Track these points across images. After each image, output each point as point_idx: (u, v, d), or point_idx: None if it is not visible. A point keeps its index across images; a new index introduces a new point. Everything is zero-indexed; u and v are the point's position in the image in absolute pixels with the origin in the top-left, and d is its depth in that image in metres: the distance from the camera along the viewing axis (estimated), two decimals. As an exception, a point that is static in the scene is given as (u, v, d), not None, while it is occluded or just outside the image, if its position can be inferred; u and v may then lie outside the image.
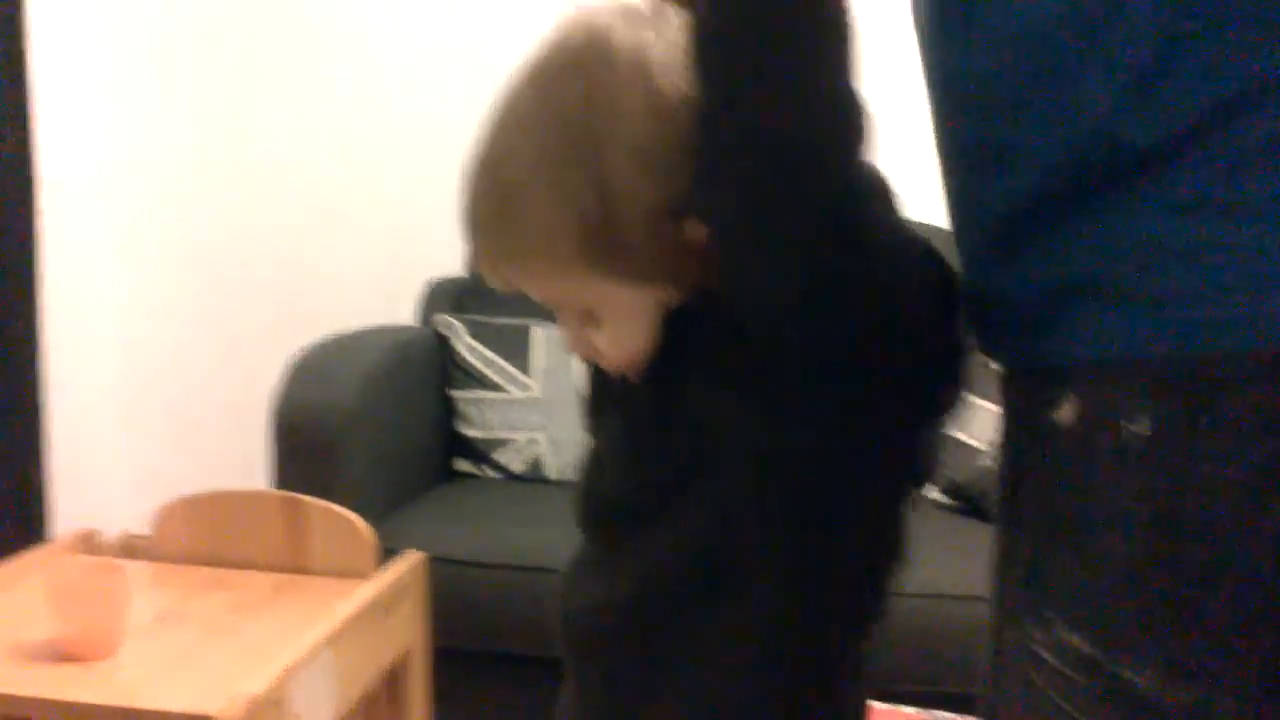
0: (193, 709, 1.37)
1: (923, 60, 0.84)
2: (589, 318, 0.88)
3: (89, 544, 1.93)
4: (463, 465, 2.67)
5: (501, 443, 2.63)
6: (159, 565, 1.87)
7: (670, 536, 0.86)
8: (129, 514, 2.90)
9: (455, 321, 2.72)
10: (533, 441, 2.62)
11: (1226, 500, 0.67)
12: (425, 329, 2.78)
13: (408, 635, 1.81)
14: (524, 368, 2.67)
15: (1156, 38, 0.68)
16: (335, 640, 1.55)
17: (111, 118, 3.22)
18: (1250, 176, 0.66)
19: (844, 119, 0.74)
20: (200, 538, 1.88)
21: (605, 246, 0.82)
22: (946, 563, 1.91)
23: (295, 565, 1.84)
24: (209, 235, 3.24)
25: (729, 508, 0.84)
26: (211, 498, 1.90)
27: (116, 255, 3.26)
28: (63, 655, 1.50)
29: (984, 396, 2.17)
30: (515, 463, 2.62)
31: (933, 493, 2.41)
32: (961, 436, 2.31)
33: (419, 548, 1.90)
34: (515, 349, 2.68)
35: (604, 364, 0.91)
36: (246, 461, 2.62)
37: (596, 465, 0.96)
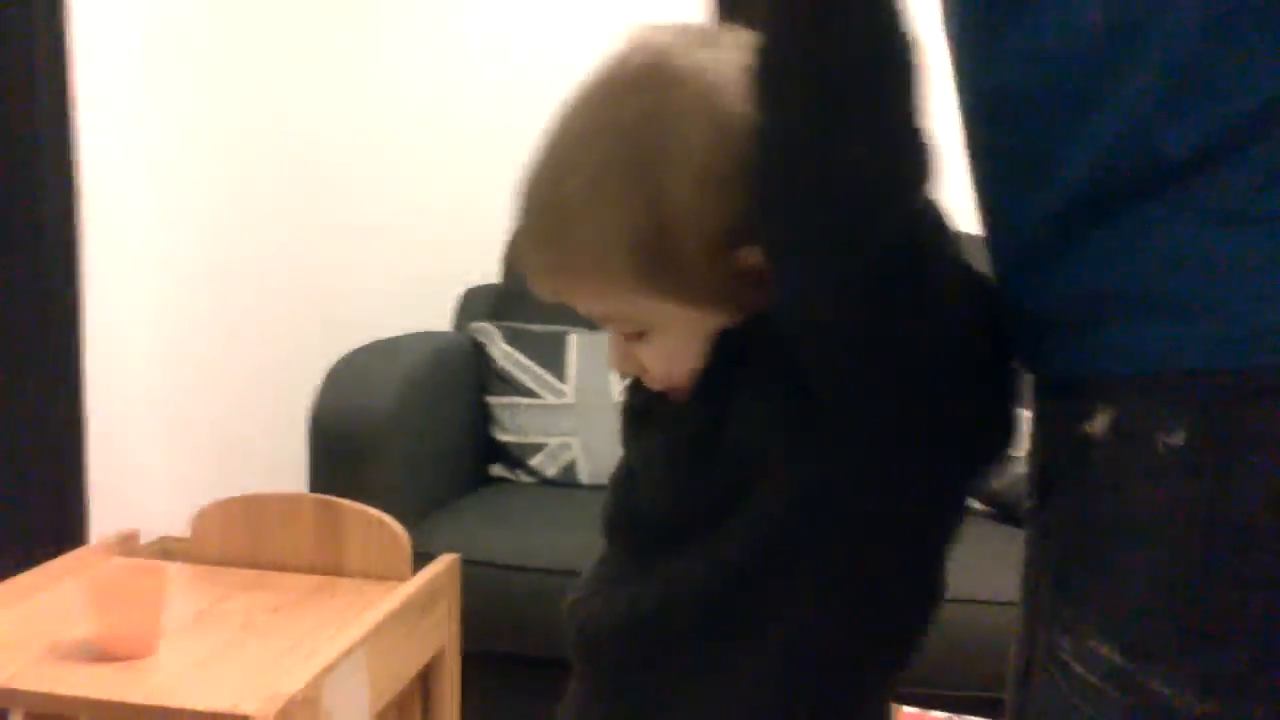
0: (230, 708, 1.39)
1: (955, 72, 0.84)
2: (637, 334, 0.87)
3: (128, 545, 1.95)
4: (497, 470, 2.68)
5: (536, 448, 2.64)
6: (197, 567, 1.89)
7: (703, 560, 0.85)
8: (167, 517, 2.93)
9: (491, 328, 2.74)
10: (566, 447, 2.63)
11: (1261, 512, 0.66)
12: (461, 335, 2.79)
13: (441, 637, 1.82)
14: (559, 374, 2.68)
15: (1194, 45, 0.67)
16: (370, 641, 1.56)
17: (151, 127, 3.26)
18: None
19: (910, 155, 0.73)
20: (237, 540, 1.90)
21: (659, 266, 0.81)
22: (979, 568, 1.89)
23: (331, 567, 1.86)
24: (248, 241, 3.27)
25: (767, 537, 0.82)
26: (249, 500, 1.92)
27: (156, 262, 3.29)
28: (102, 654, 1.52)
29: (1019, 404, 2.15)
30: (549, 468, 2.63)
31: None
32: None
33: (453, 551, 1.91)
34: (551, 355, 2.70)
35: (647, 381, 0.90)
36: (284, 465, 2.65)
37: (629, 480, 0.95)
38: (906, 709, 1.95)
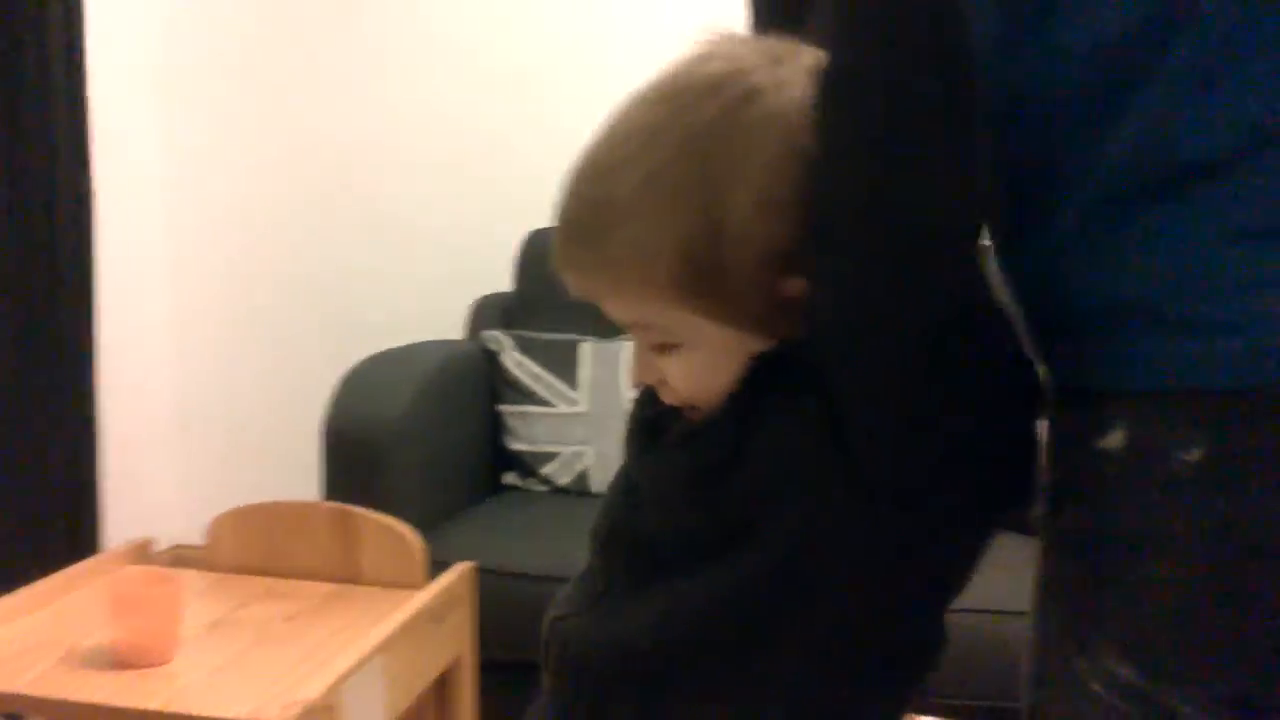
0: (247, 716, 1.39)
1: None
2: (665, 346, 0.83)
3: (143, 554, 1.96)
4: (510, 478, 2.68)
5: (548, 456, 2.64)
6: (213, 575, 1.89)
7: (706, 586, 0.81)
8: (181, 525, 2.94)
9: (503, 337, 2.74)
10: (579, 455, 2.63)
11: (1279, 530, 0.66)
12: (474, 344, 2.79)
13: (457, 645, 1.83)
14: (571, 382, 2.68)
15: (1220, 48, 0.67)
16: (386, 649, 1.56)
17: (166, 132, 3.27)
18: None
19: (973, 196, 0.71)
20: (253, 548, 1.91)
21: (704, 280, 0.78)
22: (991, 578, 1.90)
23: (347, 575, 1.86)
24: (262, 251, 3.28)
25: (778, 570, 0.79)
26: (264, 509, 1.92)
27: (170, 269, 3.30)
28: (119, 662, 1.53)
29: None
30: (562, 476, 2.63)
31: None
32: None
33: (466, 559, 1.91)
34: (563, 364, 2.70)
35: (665, 395, 0.87)
36: (298, 474, 2.65)
37: (629, 495, 0.92)
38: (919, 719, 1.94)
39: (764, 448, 0.79)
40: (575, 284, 0.85)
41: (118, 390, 3.00)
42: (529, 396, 2.68)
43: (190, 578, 1.79)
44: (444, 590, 1.78)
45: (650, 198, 0.78)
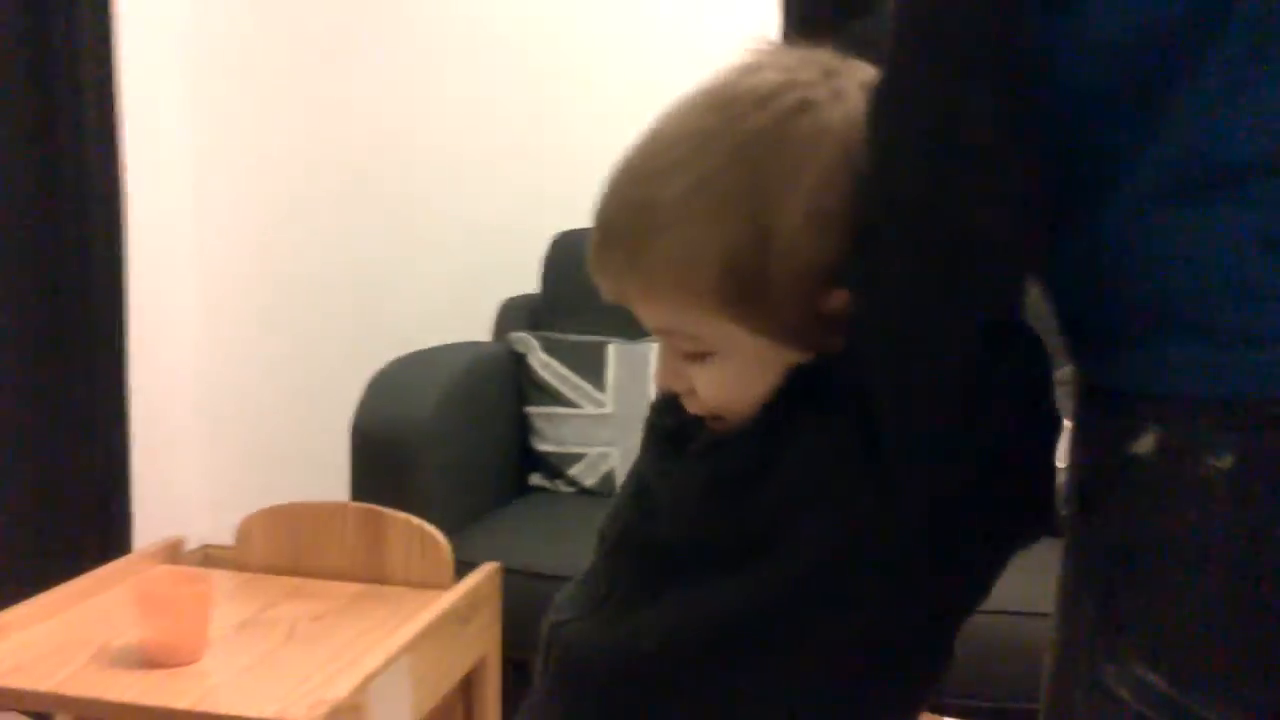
0: (275, 715, 1.40)
1: None
2: (697, 355, 0.82)
3: (173, 554, 1.97)
4: (536, 480, 2.69)
5: (575, 458, 2.65)
6: (241, 575, 1.90)
7: (723, 596, 0.80)
8: (210, 526, 2.96)
9: (530, 338, 2.75)
10: (605, 457, 2.64)
11: None
12: (501, 346, 2.80)
13: (483, 645, 1.83)
14: (599, 384, 2.68)
15: (1258, 49, 0.66)
16: (413, 649, 1.57)
17: (195, 138, 3.29)
18: None
19: (1024, 214, 0.71)
20: (281, 548, 1.92)
21: (746, 291, 0.77)
22: (1015, 579, 1.89)
23: (374, 575, 1.87)
24: (291, 252, 3.30)
25: (799, 584, 0.79)
26: (292, 509, 1.93)
27: (200, 273, 3.32)
28: (148, 661, 1.54)
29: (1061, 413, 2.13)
30: (588, 477, 2.63)
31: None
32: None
33: (493, 560, 1.92)
34: (590, 365, 2.70)
35: (690, 403, 0.85)
36: (326, 475, 2.66)
37: (641, 499, 0.90)
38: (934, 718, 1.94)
39: (794, 461, 0.78)
40: (609, 287, 0.83)
41: (148, 391, 3.02)
42: (556, 398, 2.68)
43: (219, 578, 1.80)
44: (470, 591, 1.79)
45: (698, 204, 0.77)
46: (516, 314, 2.93)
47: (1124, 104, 0.71)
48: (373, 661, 1.49)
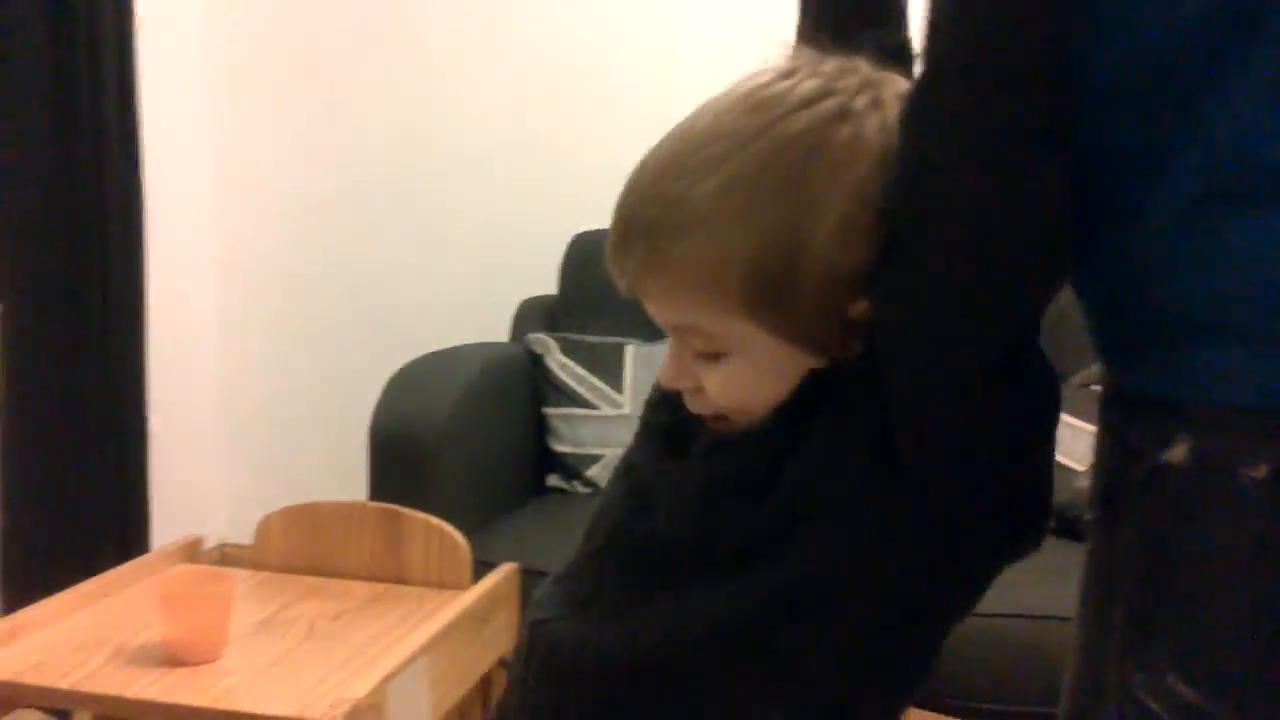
0: (295, 713, 1.41)
1: None
2: (711, 355, 0.81)
3: (192, 552, 1.98)
4: (553, 480, 2.69)
5: (593, 459, 2.65)
6: (261, 574, 1.91)
7: (724, 598, 0.80)
8: (229, 525, 2.97)
9: (548, 339, 2.75)
10: (623, 458, 2.63)
11: None
12: (518, 346, 2.81)
13: (501, 646, 1.83)
14: (616, 385, 2.68)
15: None
16: (432, 649, 1.57)
17: (213, 139, 3.30)
18: None
19: (1053, 228, 0.71)
20: (300, 547, 1.92)
21: (770, 294, 0.76)
22: (1039, 584, 1.89)
23: (392, 575, 1.88)
24: (309, 253, 3.31)
25: (803, 586, 0.78)
26: (311, 508, 1.94)
27: (218, 273, 3.34)
28: (169, 659, 1.54)
29: (1080, 416, 2.15)
30: (605, 479, 2.62)
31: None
32: (1058, 458, 2.27)
33: (510, 560, 1.92)
34: (608, 367, 2.71)
35: (696, 402, 0.84)
36: (345, 474, 2.67)
37: (636, 497, 0.88)
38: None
39: (804, 467, 0.78)
40: (627, 280, 0.82)
41: (167, 390, 3.03)
42: (573, 399, 2.68)
43: (238, 576, 1.81)
44: (489, 591, 1.79)
45: (730, 203, 0.76)
46: (535, 315, 2.94)
47: (1165, 107, 0.70)
48: (391, 661, 1.50)
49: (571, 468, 2.66)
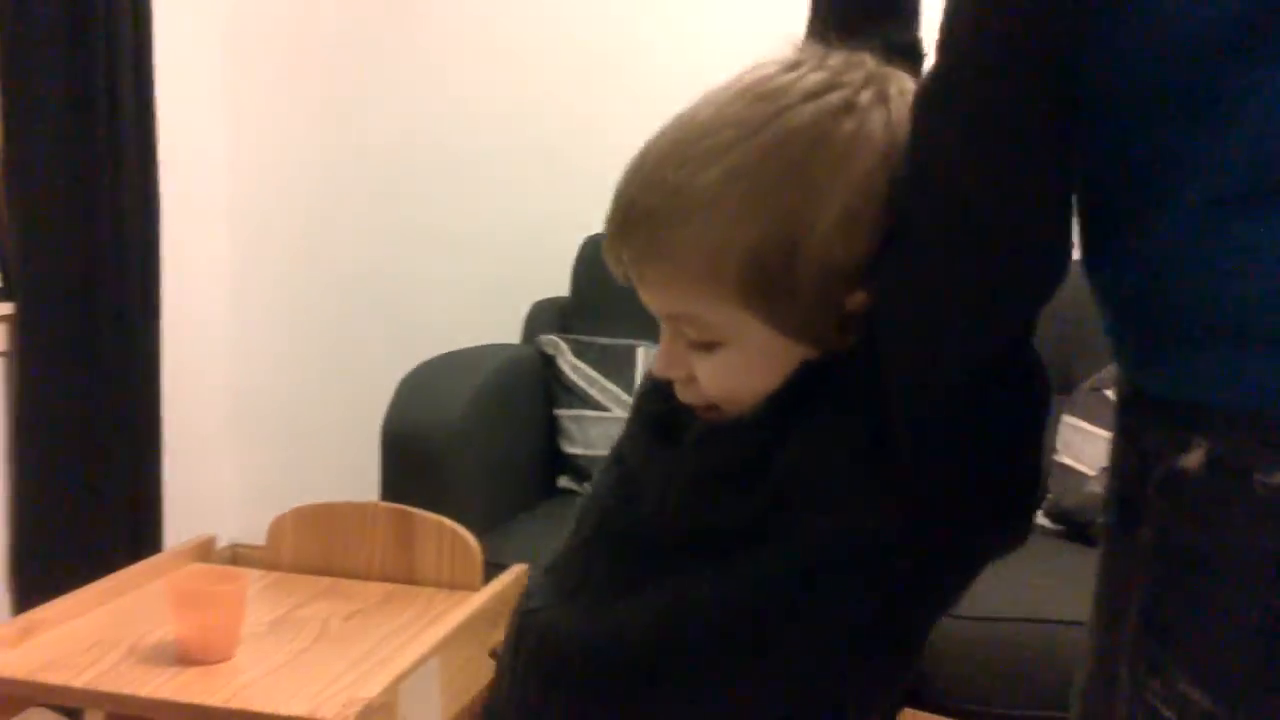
0: (308, 713, 1.41)
1: None
2: (704, 344, 0.81)
3: (205, 552, 1.99)
4: (565, 482, 2.70)
5: (604, 460, 2.64)
6: (273, 574, 1.91)
7: (714, 586, 0.80)
8: (241, 525, 2.98)
9: (560, 341, 2.75)
10: (635, 460, 2.63)
11: None
12: (530, 348, 2.81)
13: (512, 647, 1.83)
14: (628, 387, 2.69)
15: None
16: (443, 649, 1.58)
17: (229, 136, 3.31)
18: None
19: (1058, 223, 0.71)
20: (313, 548, 1.93)
21: (769, 284, 0.77)
22: (1049, 588, 1.89)
23: (404, 576, 1.88)
24: (322, 254, 3.32)
25: (795, 575, 0.78)
26: (323, 509, 1.94)
27: (231, 274, 3.34)
28: (181, 658, 1.55)
29: (1091, 420, 2.18)
30: (617, 481, 2.63)
31: (1038, 517, 2.38)
32: (1069, 461, 2.28)
33: (522, 562, 1.93)
34: (619, 368, 2.71)
35: (687, 392, 0.84)
36: (357, 475, 2.67)
37: (625, 486, 0.88)
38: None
39: (796, 457, 0.78)
40: (621, 267, 0.83)
41: (180, 391, 3.04)
42: (585, 400, 2.69)
43: (251, 576, 1.81)
44: (500, 592, 1.80)
45: (732, 193, 0.76)
46: (546, 316, 2.94)
47: (1191, 106, 0.69)
48: (403, 661, 1.50)
49: (583, 469, 2.66)
